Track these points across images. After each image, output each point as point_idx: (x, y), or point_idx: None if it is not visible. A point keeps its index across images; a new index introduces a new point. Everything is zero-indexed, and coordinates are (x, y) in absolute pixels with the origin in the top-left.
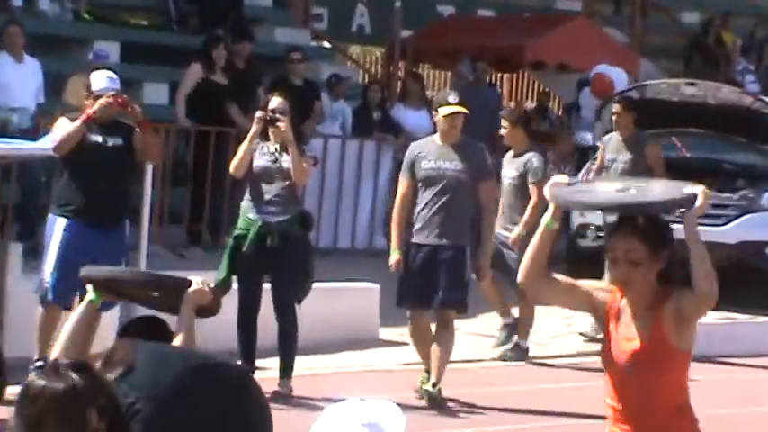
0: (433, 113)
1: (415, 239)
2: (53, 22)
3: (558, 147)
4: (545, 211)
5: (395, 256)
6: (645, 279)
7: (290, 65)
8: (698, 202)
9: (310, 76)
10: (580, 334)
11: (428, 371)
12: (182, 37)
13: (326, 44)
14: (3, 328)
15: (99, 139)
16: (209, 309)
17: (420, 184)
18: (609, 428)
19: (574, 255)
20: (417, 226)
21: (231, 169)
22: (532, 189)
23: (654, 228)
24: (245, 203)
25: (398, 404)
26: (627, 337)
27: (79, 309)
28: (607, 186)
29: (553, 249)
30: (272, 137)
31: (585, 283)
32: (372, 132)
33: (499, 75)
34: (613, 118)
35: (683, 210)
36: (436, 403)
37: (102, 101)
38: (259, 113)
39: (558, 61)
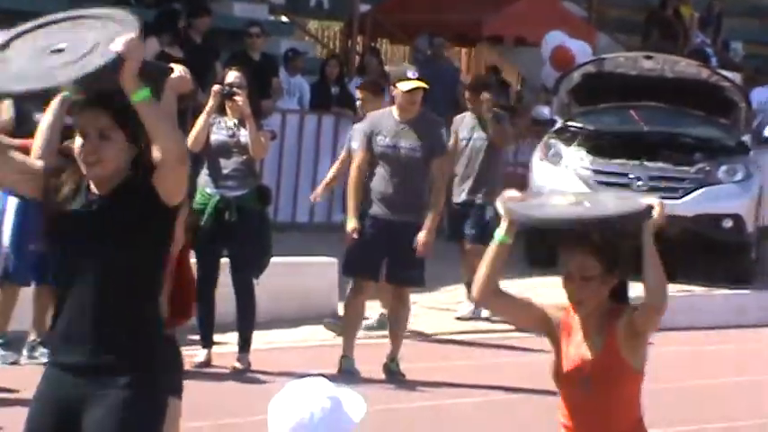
0: (391, 88)
1: (370, 211)
2: None
3: (518, 121)
4: None
5: (352, 224)
6: (598, 295)
7: (249, 39)
8: (655, 213)
9: (268, 50)
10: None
11: (346, 355)
12: (139, 11)
13: (285, 18)
14: None
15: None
16: (186, 97)
17: (376, 159)
18: None
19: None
20: (373, 199)
21: (188, 144)
22: None
23: (608, 244)
24: (203, 178)
25: (357, 377)
26: (580, 354)
27: (53, 106)
28: (559, 200)
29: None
30: (229, 111)
31: (538, 302)
32: (331, 107)
33: (457, 49)
34: (466, 96)
35: (639, 222)
36: (395, 377)
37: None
38: (216, 87)
39: (516, 35)
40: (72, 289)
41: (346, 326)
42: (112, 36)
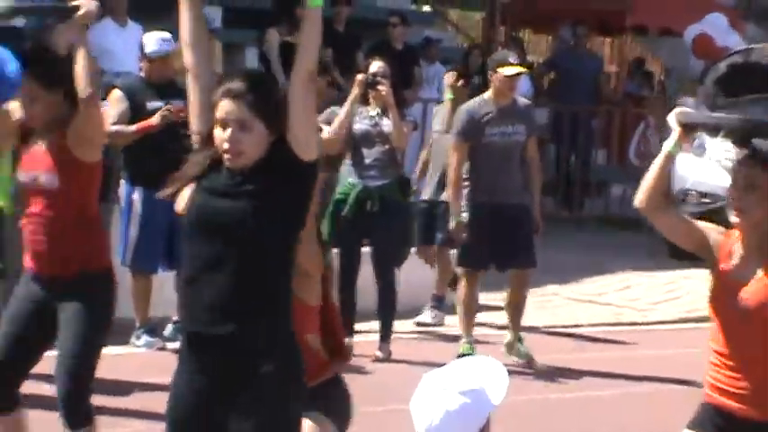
0: (490, 73)
1: (477, 200)
2: None
3: (655, 112)
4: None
5: (461, 219)
6: (761, 209)
7: (391, 29)
8: None
9: (411, 41)
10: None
11: (470, 342)
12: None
13: (427, 8)
14: None
15: (160, 104)
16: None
17: (483, 148)
18: (712, 375)
19: None
20: (479, 187)
21: (332, 132)
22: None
23: None
24: (346, 167)
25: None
26: (738, 279)
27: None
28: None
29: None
30: (372, 101)
31: (700, 223)
32: (473, 97)
33: (600, 39)
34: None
35: None
36: (528, 357)
37: (162, 112)
38: (360, 77)
39: (661, 25)
40: (206, 270)
41: (464, 319)
42: None
